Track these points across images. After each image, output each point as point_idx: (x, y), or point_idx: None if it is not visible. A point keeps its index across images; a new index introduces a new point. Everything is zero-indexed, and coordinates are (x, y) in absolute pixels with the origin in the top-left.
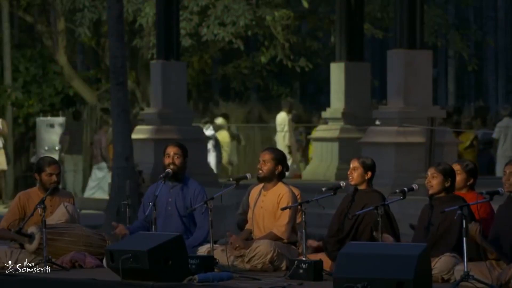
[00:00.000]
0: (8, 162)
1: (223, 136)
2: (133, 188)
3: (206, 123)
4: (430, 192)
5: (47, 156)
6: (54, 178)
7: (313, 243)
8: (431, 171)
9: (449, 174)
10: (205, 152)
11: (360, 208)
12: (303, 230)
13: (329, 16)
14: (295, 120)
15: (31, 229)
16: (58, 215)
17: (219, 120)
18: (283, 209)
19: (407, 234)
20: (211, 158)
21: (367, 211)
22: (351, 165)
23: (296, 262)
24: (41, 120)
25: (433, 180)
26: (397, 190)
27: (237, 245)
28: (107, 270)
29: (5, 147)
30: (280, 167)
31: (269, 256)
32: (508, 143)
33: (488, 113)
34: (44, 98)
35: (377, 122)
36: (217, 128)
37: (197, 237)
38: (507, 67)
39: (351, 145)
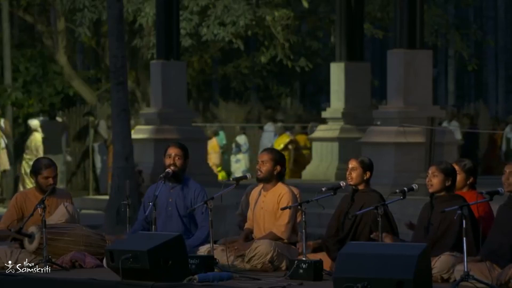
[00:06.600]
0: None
1: (40, 138)
2: (133, 188)
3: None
4: (430, 190)
5: (44, 158)
6: (50, 181)
7: (310, 244)
8: (432, 170)
9: (450, 174)
10: (205, 152)
11: (359, 208)
12: (303, 230)
13: (329, 16)
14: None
15: (31, 229)
16: (58, 215)
17: (34, 122)
18: (283, 209)
19: (406, 233)
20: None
21: (367, 211)
22: (350, 165)
23: (296, 262)
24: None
25: (434, 179)
26: (397, 190)
27: (235, 247)
28: (107, 270)
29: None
30: (278, 167)
31: (269, 256)
32: None
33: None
34: (44, 98)
35: (378, 123)
36: (29, 130)
37: (198, 236)
38: (507, 67)
39: (351, 145)
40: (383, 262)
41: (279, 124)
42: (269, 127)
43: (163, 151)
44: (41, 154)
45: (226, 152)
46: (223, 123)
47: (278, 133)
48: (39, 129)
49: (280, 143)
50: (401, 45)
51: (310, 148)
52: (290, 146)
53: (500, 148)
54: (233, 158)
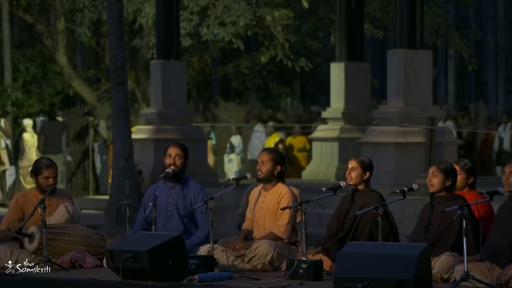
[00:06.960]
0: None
1: (29, 138)
2: (133, 188)
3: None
4: (431, 190)
5: (45, 158)
6: (50, 181)
7: (311, 253)
8: (432, 170)
9: (450, 174)
10: (205, 152)
11: (359, 208)
12: (303, 230)
13: (329, 16)
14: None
15: (31, 229)
16: (58, 215)
17: (26, 121)
18: (283, 209)
19: (406, 233)
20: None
21: (367, 211)
22: (349, 165)
23: (296, 262)
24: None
25: (434, 179)
26: (397, 190)
27: (237, 246)
28: (107, 270)
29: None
30: (278, 167)
31: (269, 256)
32: None
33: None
34: (44, 98)
35: (374, 122)
36: (23, 130)
37: (198, 235)
38: (507, 67)
39: (351, 145)
40: (383, 262)
41: (270, 123)
42: (259, 127)
43: (163, 151)
44: (29, 153)
45: (217, 152)
46: (216, 124)
47: (269, 133)
48: (31, 129)
49: (270, 143)
50: (401, 45)
51: (309, 150)
52: (280, 145)
53: (491, 148)
54: (225, 158)
